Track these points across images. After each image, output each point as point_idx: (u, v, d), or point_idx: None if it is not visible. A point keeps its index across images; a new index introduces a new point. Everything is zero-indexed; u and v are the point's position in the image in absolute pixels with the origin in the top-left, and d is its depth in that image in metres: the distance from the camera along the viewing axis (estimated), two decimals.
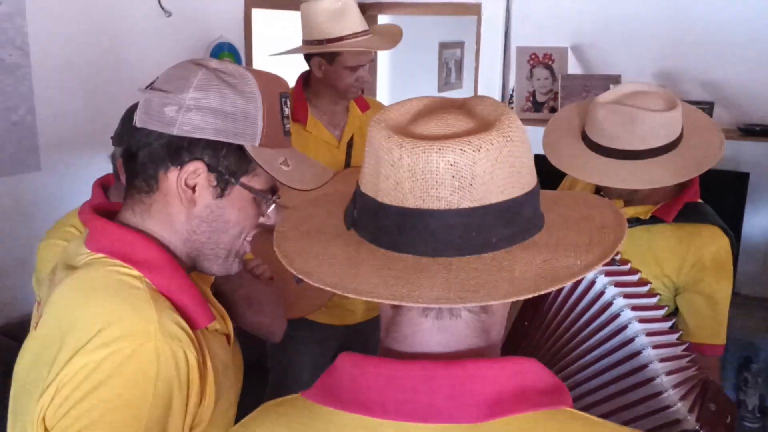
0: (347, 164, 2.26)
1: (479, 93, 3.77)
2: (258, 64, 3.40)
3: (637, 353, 1.28)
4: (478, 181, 0.66)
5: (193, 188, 1.01)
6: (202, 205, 1.03)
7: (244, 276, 1.40)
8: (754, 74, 3.06)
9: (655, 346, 1.29)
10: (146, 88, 1.02)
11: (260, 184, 1.06)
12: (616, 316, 1.31)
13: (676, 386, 1.26)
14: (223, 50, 3.12)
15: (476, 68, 3.77)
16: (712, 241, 1.58)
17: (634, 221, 1.60)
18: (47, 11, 2.49)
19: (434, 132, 0.69)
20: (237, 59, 3.20)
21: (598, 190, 1.70)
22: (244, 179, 1.03)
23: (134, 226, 1.03)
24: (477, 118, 0.72)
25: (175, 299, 0.98)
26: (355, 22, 2.15)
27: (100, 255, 0.99)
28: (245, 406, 1.17)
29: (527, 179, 0.71)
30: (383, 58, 4.82)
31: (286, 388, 1.94)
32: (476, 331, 0.70)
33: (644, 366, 1.27)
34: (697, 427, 1.24)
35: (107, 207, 1.10)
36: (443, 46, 5.65)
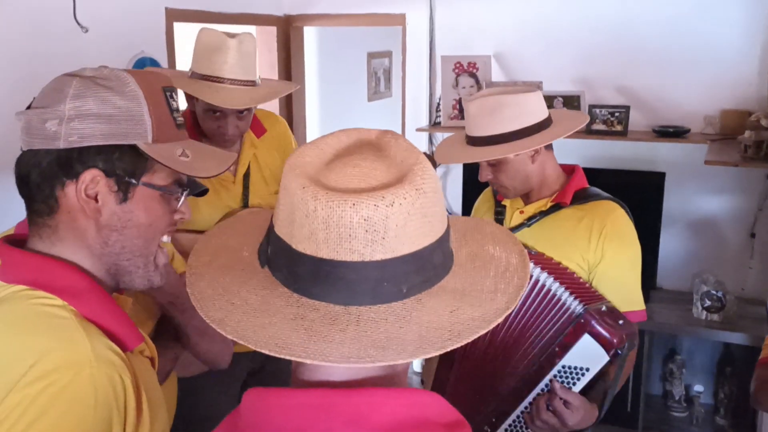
0: (245, 198, 2.09)
1: (407, 102, 3.81)
2: None
3: (549, 291, 1.56)
4: (390, 235, 0.68)
5: (95, 198, 0.98)
6: (108, 213, 1.00)
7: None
8: (667, 79, 3.22)
9: (566, 287, 1.57)
10: (25, 110, 0.99)
11: (163, 179, 1.03)
12: (542, 285, 1.57)
13: (574, 298, 1.55)
14: (145, 64, 3.05)
15: (403, 77, 3.81)
16: (608, 212, 1.71)
17: (539, 215, 1.73)
18: None
19: (349, 184, 0.70)
20: None
21: (496, 194, 1.87)
22: (144, 178, 1.01)
23: (46, 253, 1.00)
24: (392, 166, 0.73)
25: (102, 323, 0.96)
26: (224, 68, 1.91)
27: (19, 287, 0.95)
28: None
29: (438, 227, 0.73)
30: (311, 68, 4.81)
31: (196, 419, 1.78)
32: (383, 367, 0.72)
33: (551, 293, 1.57)
34: (582, 310, 1.52)
35: (16, 236, 1.06)
36: (371, 55, 5.67)
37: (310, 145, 0.76)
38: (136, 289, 1.10)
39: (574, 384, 1.52)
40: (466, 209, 3.49)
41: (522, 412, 1.57)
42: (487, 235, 0.86)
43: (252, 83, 1.97)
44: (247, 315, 0.70)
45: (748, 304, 3.14)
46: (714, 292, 3.04)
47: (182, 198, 1.08)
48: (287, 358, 0.65)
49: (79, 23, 2.70)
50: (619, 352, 1.48)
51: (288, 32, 4.05)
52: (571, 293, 1.55)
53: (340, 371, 0.71)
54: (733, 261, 3.26)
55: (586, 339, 1.49)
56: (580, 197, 1.73)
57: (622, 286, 1.68)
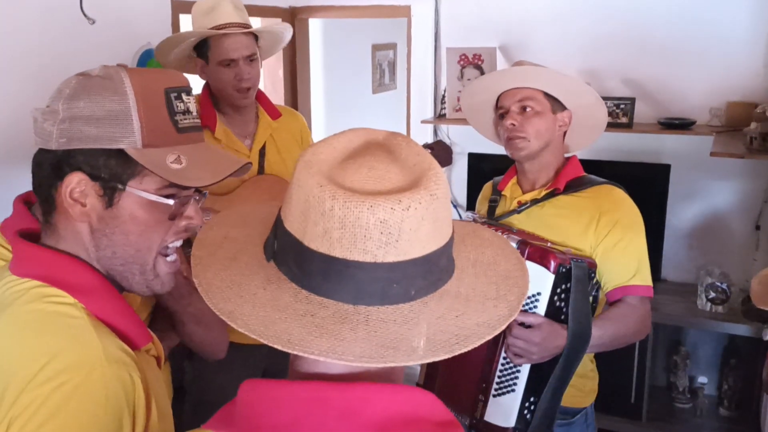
0: (260, 173, 2.20)
1: (412, 94, 3.81)
2: None
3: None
4: (404, 237, 0.69)
5: (83, 201, 0.98)
6: (95, 218, 0.99)
7: (195, 294, 1.36)
8: (672, 70, 3.20)
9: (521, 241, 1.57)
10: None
11: (154, 185, 0.99)
12: None
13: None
14: (151, 56, 3.05)
15: (408, 69, 3.81)
16: (609, 194, 1.74)
17: (530, 203, 1.77)
18: None
19: (366, 186, 0.72)
20: None
21: (495, 184, 1.90)
22: (132, 183, 0.98)
23: (57, 248, 1.00)
24: (405, 169, 0.74)
25: (112, 322, 0.97)
26: (223, 15, 2.07)
27: (32, 283, 0.96)
28: None
29: (446, 231, 0.75)
30: (316, 60, 4.81)
31: (207, 409, 1.80)
32: None
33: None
34: (516, 244, 1.53)
35: (29, 229, 1.07)
36: (376, 47, 5.67)
37: (322, 143, 0.77)
38: (139, 294, 1.09)
39: (533, 312, 1.54)
40: (471, 201, 3.49)
41: (503, 359, 1.58)
42: (485, 240, 0.88)
43: (250, 27, 2.15)
44: (256, 308, 0.71)
45: None
46: (719, 284, 3.04)
47: (188, 204, 1.03)
48: (301, 354, 0.66)
49: (85, 15, 2.70)
50: (563, 268, 1.49)
51: (293, 24, 4.05)
52: (519, 242, 1.56)
53: (339, 365, 0.71)
54: (738, 253, 3.26)
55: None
56: (577, 185, 1.75)
57: (631, 260, 1.69)
